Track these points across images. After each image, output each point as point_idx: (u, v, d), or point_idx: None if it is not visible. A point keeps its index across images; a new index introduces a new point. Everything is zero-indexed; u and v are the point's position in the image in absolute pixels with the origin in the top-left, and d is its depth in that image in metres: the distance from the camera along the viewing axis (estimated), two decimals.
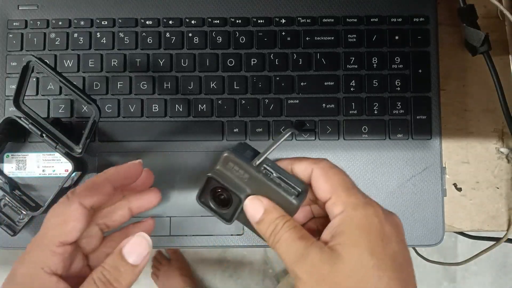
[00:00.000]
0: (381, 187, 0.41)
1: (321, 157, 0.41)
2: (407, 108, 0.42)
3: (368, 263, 0.26)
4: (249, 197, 0.31)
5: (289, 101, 0.42)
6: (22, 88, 0.38)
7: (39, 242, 0.29)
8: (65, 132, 0.39)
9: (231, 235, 0.41)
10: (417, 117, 0.42)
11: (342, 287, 0.26)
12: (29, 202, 0.40)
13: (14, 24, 0.43)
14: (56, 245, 0.29)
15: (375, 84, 0.42)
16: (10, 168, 0.42)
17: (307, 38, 0.43)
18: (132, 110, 0.42)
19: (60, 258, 0.29)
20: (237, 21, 0.43)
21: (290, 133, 0.35)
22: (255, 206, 0.31)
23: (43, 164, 0.42)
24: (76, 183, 0.41)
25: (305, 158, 0.33)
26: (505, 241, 0.42)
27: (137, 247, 0.29)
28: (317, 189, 0.31)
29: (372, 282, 0.26)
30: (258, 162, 0.32)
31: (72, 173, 0.39)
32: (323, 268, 0.26)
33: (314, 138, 0.42)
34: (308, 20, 0.43)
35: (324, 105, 0.42)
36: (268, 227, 0.30)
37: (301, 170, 0.32)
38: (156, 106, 0.42)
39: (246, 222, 0.32)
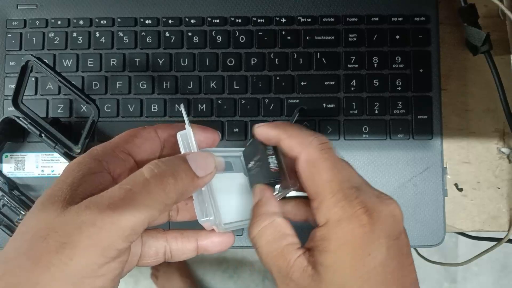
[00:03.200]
0: (382, 188, 0.41)
1: None
2: (408, 108, 0.42)
3: (354, 283, 0.23)
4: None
5: (289, 101, 0.42)
6: (21, 87, 0.38)
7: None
8: (64, 132, 0.38)
9: None
10: (418, 117, 0.42)
11: None
12: (28, 202, 0.40)
13: (13, 23, 0.43)
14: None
15: (376, 83, 0.42)
16: (9, 168, 0.41)
17: (307, 38, 0.42)
18: (131, 110, 0.42)
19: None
20: (237, 21, 0.42)
21: (298, 113, 0.39)
22: (256, 190, 0.27)
23: (42, 164, 0.41)
24: None
25: (296, 131, 0.26)
26: (506, 242, 0.42)
27: (202, 160, 0.24)
28: (302, 183, 0.26)
29: None
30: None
31: None
32: None
33: None
34: (308, 20, 0.42)
35: (324, 104, 0.42)
36: (250, 222, 0.26)
37: (288, 150, 0.26)
38: (155, 106, 0.42)
39: None
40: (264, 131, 0.28)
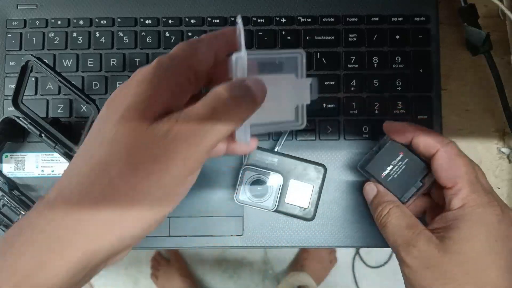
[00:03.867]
0: None
1: (322, 156, 0.41)
2: (408, 108, 0.42)
3: (485, 258, 0.28)
4: (367, 183, 0.37)
5: None
6: (21, 87, 0.38)
7: None
8: (64, 132, 0.38)
9: (231, 235, 0.41)
10: (418, 117, 0.42)
11: (453, 275, 0.27)
12: (28, 202, 0.40)
13: (13, 23, 0.43)
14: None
15: (376, 83, 0.42)
16: (9, 168, 0.41)
17: (307, 38, 0.42)
18: None
19: None
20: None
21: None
22: (370, 188, 0.36)
23: (42, 164, 0.41)
24: None
25: (431, 132, 0.33)
26: None
27: (260, 86, 0.25)
28: (438, 173, 0.32)
29: (491, 277, 0.27)
30: (278, 148, 0.41)
31: None
32: (432, 256, 0.28)
33: (314, 138, 0.42)
34: (308, 19, 0.42)
35: (324, 104, 0.42)
36: (376, 209, 0.34)
37: (425, 145, 0.33)
38: None
39: None
40: (400, 127, 0.35)
